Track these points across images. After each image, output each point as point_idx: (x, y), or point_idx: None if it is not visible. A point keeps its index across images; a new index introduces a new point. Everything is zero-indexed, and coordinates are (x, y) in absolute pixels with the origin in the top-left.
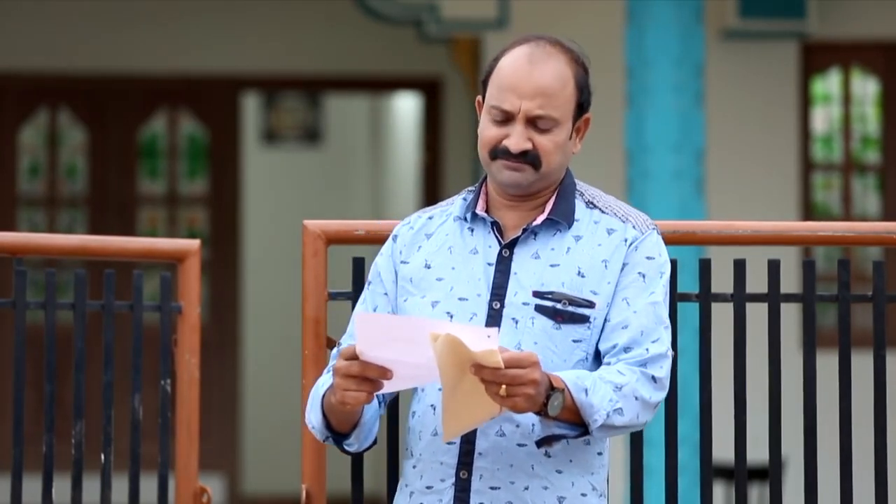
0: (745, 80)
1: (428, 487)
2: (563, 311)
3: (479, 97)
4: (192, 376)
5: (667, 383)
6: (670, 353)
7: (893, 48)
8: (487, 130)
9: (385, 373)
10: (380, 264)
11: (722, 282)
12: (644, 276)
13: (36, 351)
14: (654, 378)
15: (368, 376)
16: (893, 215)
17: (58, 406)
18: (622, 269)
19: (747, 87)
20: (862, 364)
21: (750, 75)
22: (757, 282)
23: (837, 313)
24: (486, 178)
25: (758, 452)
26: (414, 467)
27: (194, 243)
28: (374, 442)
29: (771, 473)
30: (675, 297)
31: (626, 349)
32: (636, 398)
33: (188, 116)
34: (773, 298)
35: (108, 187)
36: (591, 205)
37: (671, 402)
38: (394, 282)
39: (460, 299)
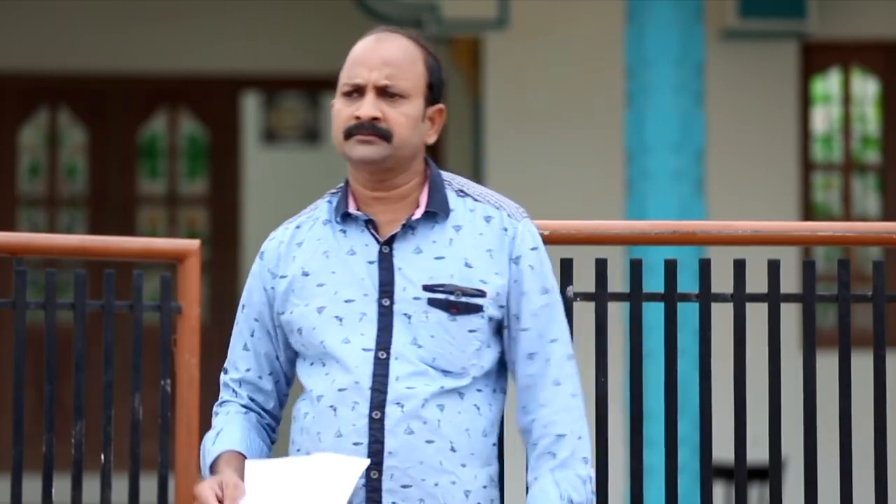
0: (745, 80)
1: None
2: (457, 302)
3: (333, 101)
4: (192, 376)
5: (578, 378)
6: (571, 348)
7: (893, 48)
8: (339, 112)
9: None
10: (250, 286)
11: (722, 282)
12: (532, 268)
13: (36, 351)
14: (573, 394)
15: None
16: (893, 215)
17: (58, 406)
18: (511, 262)
19: (747, 87)
20: (862, 364)
21: (750, 75)
22: (757, 282)
23: (837, 313)
24: (347, 180)
25: (758, 452)
26: None
27: (194, 243)
28: None
29: (771, 473)
30: (675, 298)
31: (533, 374)
32: (583, 430)
33: (188, 116)
34: (773, 298)
35: (108, 187)
36: (462, 193)
37: (671, 402)
38: (265, 303)
39: (346, 301)
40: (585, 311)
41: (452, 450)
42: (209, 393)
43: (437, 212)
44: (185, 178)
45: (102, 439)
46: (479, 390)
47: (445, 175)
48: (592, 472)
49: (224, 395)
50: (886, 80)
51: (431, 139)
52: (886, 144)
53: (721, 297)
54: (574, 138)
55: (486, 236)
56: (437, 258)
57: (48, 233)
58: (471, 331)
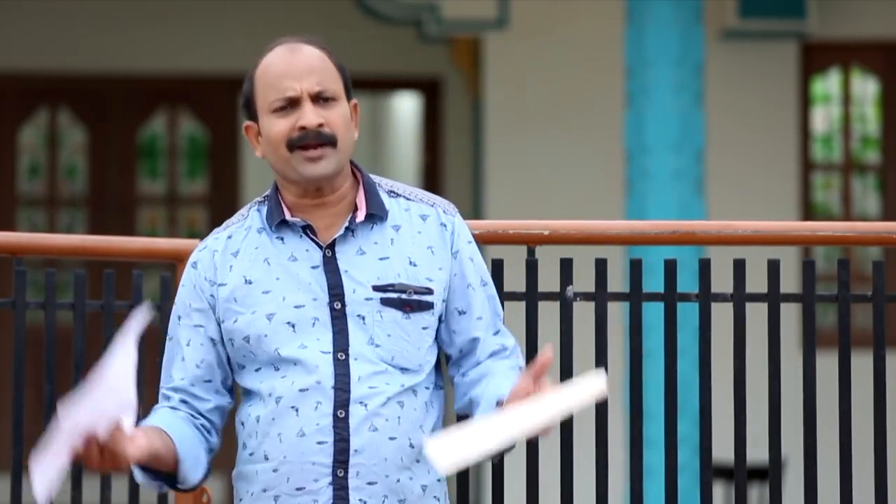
0: (745, 80)
1: (299, 489)
2: (409, 300)
3: (247, 122)
4: None
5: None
6: (512, 337)
7: (893, 48)
8: (276, 127)
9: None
10: (185, 296)
11: (722, 282)
12: (472, 260)
13: (36, 351)
14: (512, 366)
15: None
16: (893, 215)
17: (58, 406)
18: (451, 256)
19: (747, 87)
20: (862, 364)
21: (750, 75)
22: (757, 282)
23: (837, 313)
24: (275, 186)
25: (758, 452)
26: (276, 470)
27: (194, 243)
28: (208, 473)
29: (771, 473)
30: (675, 298)
31: (493, 352)
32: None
33: (188, 116)
34: (773, 298)
35: (108, 187)
36: (393, 194)
37: (671, 402)
38: (206, 310)
39: (296, 307)
40: (585, 311)
41: (411, 446)
42: None
43: (376, 213)
44: (184, 178)
45: None
46: (426, 388)
47: (373, 177)
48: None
49: (159, 403)
50: (886, 80)
51: (356, 134)
52: (886, 144)
53: (721, 297)
54: (574, 138)
55: (424, 234)
56: (382, 258)
57: (48, 233)
58: (424, 328)
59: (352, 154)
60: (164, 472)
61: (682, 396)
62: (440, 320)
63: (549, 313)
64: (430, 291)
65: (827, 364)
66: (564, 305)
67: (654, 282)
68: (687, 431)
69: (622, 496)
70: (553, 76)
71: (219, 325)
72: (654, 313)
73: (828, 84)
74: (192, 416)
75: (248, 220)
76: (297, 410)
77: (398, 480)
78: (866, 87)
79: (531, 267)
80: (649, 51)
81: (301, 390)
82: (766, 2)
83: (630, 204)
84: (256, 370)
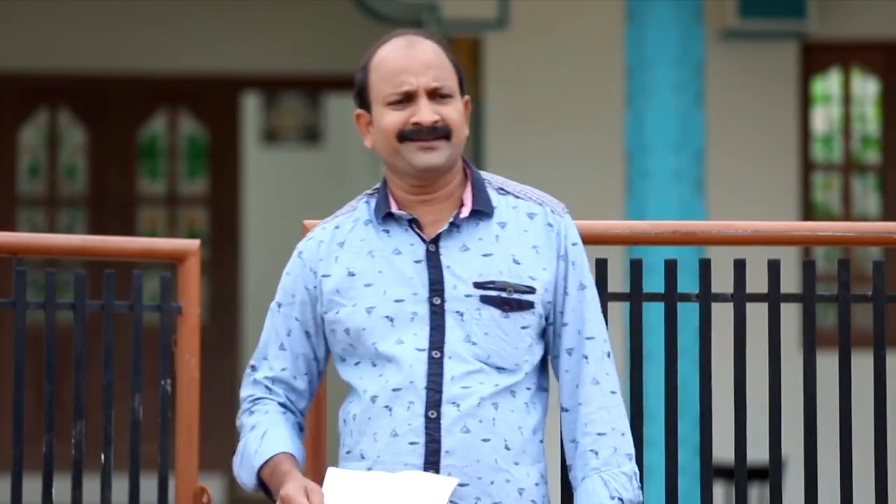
0: (745, 80)
1: None
2: (509, 299)
3: (358, 111)
4: (192, 376)
5: (616, 375)
6: (606, 345)
7: (893, 48)
8: (388, 118)
9: None
10: (289, 285)
11: (722, 282)
12: (574, 264)
13: (36, 351)
14: (612, 391)
15: None
16: (893, 215)
17: (58, 406)
18: (559, 260)
19: (747, 87)
20: (862, 364)
21: (750, 75)
22: (757, 282)
23: (837, 313)
24: (385, 179)
25: (758, 452)
26: (370, 469)
27: (194, 243)
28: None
29: (771, 473)
30: (675, 298)
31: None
32: (624, 426)
33: (188, 116)
34: (773, 298)
35: (108, 187)
36: (502, 191)
37: (671, 402)
38: (307, 302)
39: (396, 301)
40: None
41: (507, 448)
42: (209, 393)
43: (482, 210)
44: (185, 178)
45: (102, 439)
46: (527, 388)
47: (483, 174)
48: (636, 468)
49: (255, 391)
50: (886, 80)
51: (467, 131)
52: (886, 144)
53: (721, 297)
54: (574, 138)
55: (530, 233)
56: (485, 255)
57: (48, 233)
58: (523, 327)
59: (463, 147)
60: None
61: (682, 396)
62: (547, 321)
63: None
64: (531, 290)
65: (827, 364)
66: None
67: (654, 282)
68: (687, 431)
69: None
70: (553, 76)
71: (320, 317)
72: (654, 313)
73: (828, 84)
74: (294, 415)
75: (357, 211)
76: (390, 410)
77: (492, 482)
78: (866, 87)
79: None
80: (649, 51)
81: (394, 390)
82: (766, 2)
83: (630, 204)
84: (356, 364)
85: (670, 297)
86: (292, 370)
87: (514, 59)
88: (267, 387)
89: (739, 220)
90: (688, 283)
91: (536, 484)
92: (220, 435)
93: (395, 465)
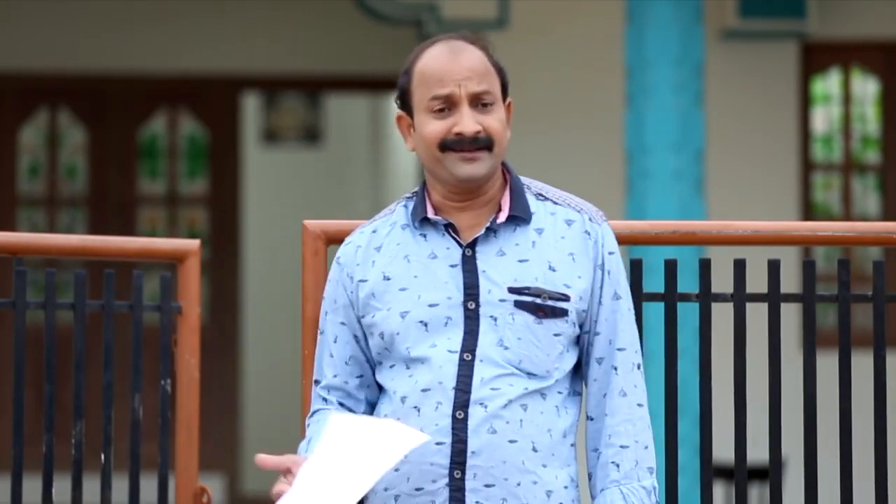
0: (745, 80)
1: (417, 489)
2: (543, 305)
3: (400, 113)
4: (192, 376)
5: (644, 387)
6: (637, 356)
7: (893, 48)
8: (430, 126)
9: None
10: (331, 292)
11: (722, 282)
12: (610, 273)
13: (36, 351)
14: (639, 404)
15: None
16: (893, 215)
17: (58, 406)
18: (595, 268)
19: (747, 87)
20: (862, 364)
21: (750, 75)
22: (757, 282)
23: (837, 313)
24: (424, 183)
25: (758, 452)
26: (397, 470)
27: (194, 243)
28: None
29: (771, 473)
30: (675, 298)
31: (600, 379)
32: (648, 440)
33: (188, 116)
34: (773, 298)
35: (108, 187)
36: (541, 197)
37: (671, 402)
38: (348, 305)
39: (430, 305)
40: None
41: (534, 450)
42: (209, 393)
43: (519, 215)
44: (185, 179)
45: (102, 439)
46: (559, 392)
47: (523, 179)
48: (656, 483)
49: (315, 405)
50: (886, 80)
51: (509, 135)
52: (886, 144)
53: (721, 297)
54: (574, 138)
55: (567, 240)
56: (521, 261)
57: (48, 233)
58: (556, 334)
59: (504, 156)
60: None
61: (682, 396)
62: (581, 329)
63: None
64: (566, 298)
65: (827, 364)
66: None
67: (654, 282)
68: (687, 431)
69: None
70: (553, 76)
71: (360, 320)
72: (654, 313)
73: (828, 84)
74: None
75: (394, 215)
76: (418, 410)
77: (518, 484)
78: (866, 87)
79: None
80: (649, 51)
81: (423, 390)
82: (766, 2)
83: (630, 204)
84: (391, 367)
85: (670, 297)
86: (343, 376)
87: (514, 59)
88: (323, 398)
89: (739, 220)
90: (688, 283)
91: (565, 487)
92: (220, 435)
93: (421, 464)
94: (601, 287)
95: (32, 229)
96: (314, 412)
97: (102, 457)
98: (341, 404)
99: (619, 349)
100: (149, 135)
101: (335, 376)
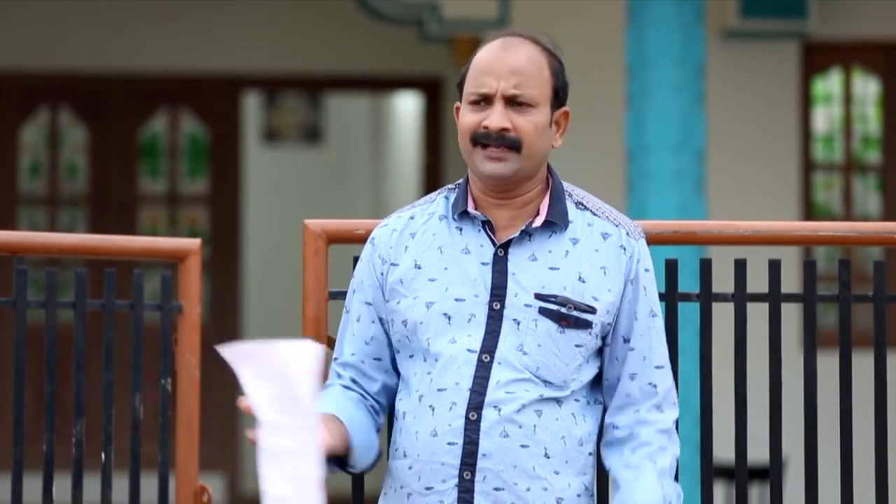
0: (746, 80)
1: (427, 488)
2: (568, 315)
3: (457, 104)
4: (193, 376)
5: (677, 404)
6: (671, 376)
7: (894, 48)
8: (466, 117)
9: None
10: (360, 271)
11: (722, 282)
12: (646, 290)
13: (36, 350)
14: (668, 431)
15: None
16: (894, 215)
17: (58, 405)
18: (626, 283)
19: (748, 87)
20: (862, 364)
21: (750, 75)
22: (757, 282)
23: (838, 313)
24: (467, 176)
25: (758, 452)
26: (410, 468)
27: (195, 242)
28: (378, 456)
29: (771, 473)
30: (676, 297)
31: (637, 399)
32: (677, 453)
33: (189, 116)
34: (774, 298)
35: (109, 186)
36: (581, 206)
37: None
38: (377, 287)
39: (457, 300)
40: None
41: (546, 456)
42: (209, 392)
43: (556, 221)
44: (185, 178)
45: (103, 438)
46: (576, 400)
47: (566, 186)
48: (681, 490)
49: (330, 380)
50: (887, 80)
51: (558, 143)
52: (887, 144)
53: (722, 297)
54: (574, 138)
55: (601, 253)
56: (552, 268)
57: (49, 232)
58: (577, 346)
59: (544, 161)
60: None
61: (682, 396)
62: (604, 343)
63: None
64: (592, 310)
65: (828, 364)
66: None
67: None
68: (687, 431)
69: None
70: None
71: (386, 303)
72: None
73: (829, 84)
74: (362, 396)
75: (434, 205)
76: (433, 409)
77: (528, 489)
78: (867, 87)
79: None
80: (650, 51)
81: (439, 390)
82: (766, 2)
83: (631, 204)
84: (410, 356)
85: (671, 297)
86: (360, 355)
87: None
88: (338, 373)
89: (740, 220)
90: (688, 282)
91: (578, 495)
92: (220, 435)
93: (432, 464)
94: (636, 302)
95: (33, 228)
96: (326, 386)
97: (103, 456)
98: (354, 381)
99: (657, 367)
100: (149, 134)
101: (353, 354)
